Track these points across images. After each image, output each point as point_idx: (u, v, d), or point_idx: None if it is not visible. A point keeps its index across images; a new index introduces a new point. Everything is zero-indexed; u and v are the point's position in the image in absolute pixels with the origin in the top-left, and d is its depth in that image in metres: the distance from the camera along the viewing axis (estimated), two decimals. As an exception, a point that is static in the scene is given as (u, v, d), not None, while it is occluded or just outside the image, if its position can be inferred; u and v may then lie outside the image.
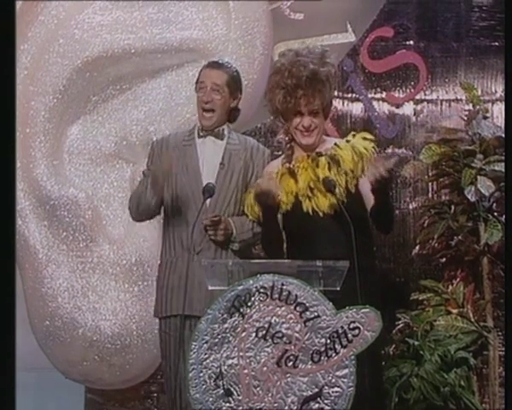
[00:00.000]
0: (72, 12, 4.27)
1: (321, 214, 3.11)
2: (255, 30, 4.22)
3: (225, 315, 2.76)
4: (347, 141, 3.23)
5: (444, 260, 4.37)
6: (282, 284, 2.75)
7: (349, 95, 4.63)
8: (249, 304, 2.76)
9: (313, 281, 2.80)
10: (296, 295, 2.76)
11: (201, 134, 3.34)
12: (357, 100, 4.61)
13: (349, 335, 2.74)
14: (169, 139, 3.43)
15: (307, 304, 2.75)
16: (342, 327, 2.75)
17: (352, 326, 2.74)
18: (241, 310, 2.77)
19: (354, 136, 3.23)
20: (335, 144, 3.22)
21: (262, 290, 2.75)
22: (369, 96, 4.61)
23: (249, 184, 3.32)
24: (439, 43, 4.60)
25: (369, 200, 3.11)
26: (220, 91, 3.25)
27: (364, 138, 3.21)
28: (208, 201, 3.23)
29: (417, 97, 4.61)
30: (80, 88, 4.20)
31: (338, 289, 2.83)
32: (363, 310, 2.76)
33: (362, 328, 2.73)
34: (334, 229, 3.08)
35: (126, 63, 4.19)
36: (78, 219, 4.13)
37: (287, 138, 3.24)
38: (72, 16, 4.26)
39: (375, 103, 4.64)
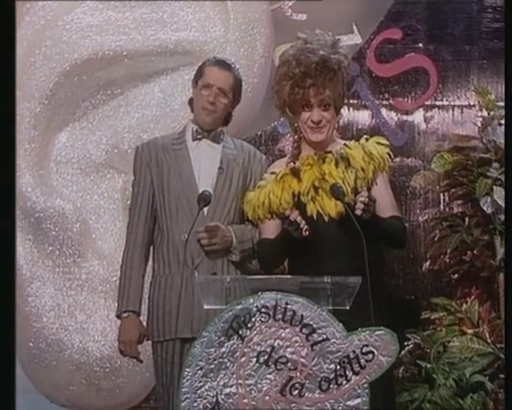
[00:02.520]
0: (60, 12, 4.19)
1: (326, 219, 2.90)
2: (255, 31, 4.17)
3: (222, 338, 2.57)
4: (358, 142, 3.05)
5: (457, 276, 4.24)
6: (287, 303, 2.57)
7: (355, 101, 4.52)
8: (249, 325, 2.58)
9: (320, 299, 2.60)
10: (302, 316, 2.57)
11: (197, 136, 3.17)
12: (364, 106, 4.52)
13: (362, 360, 2.54)
14: (156, 142, 3.24)
15: (314, 325, 2.56)
16: (354, 352, 2.55)
17: (365, 350, 2.53)
18: (240, 332, 2.58)
19: (367, 139, 3.05)
20: (345, 144, 3.04)
21: (264, 310, 2.57)
22: (377, 102, 4.53)
23: (248, 190, 3.15)
24: (450, 45, 4.52)
25: (384, 209, 2.92)
26: (227, 95, 3.13)
27: (378, 143, 3.02)
28: (206, 209, 3.07)
29: (427, 103, 4.54)
30: (68, 93, 4.14)
31: (347, 308, 2.63)
32: (377, 332, 2.55)
33: (376, 352, 2.53)
34: (341, 238, 2.89)
35: (118, 66, 4.14)
36: (65, 233, 4.07)
37: (295, 136, 3.04)
38: (59, 17, 4.19)
39: (382, 110, 4.56)
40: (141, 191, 3.17)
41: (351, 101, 4.47)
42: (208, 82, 3.13)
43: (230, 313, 2.59)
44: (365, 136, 3.08)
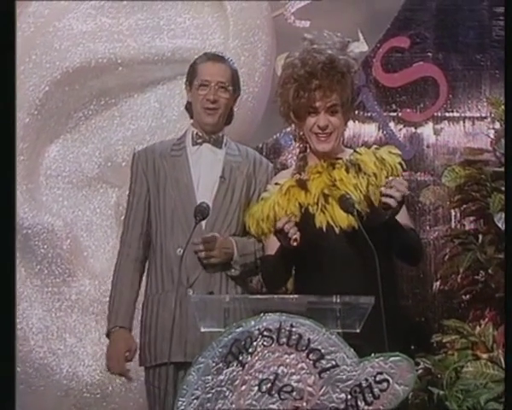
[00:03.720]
0: (52, 18, 4.17)
1: (337, 231, 2.74)
2: (256, 38, 4.11)
3: (221, 364, 2.40)
4: (369, 149, 2.92)
5: (469, 297, 4.10)
6: (292, 326, 2.40)
7: (361, 112, 4.42)
8: (250, 350, 2.41)
9: (329, 321, 2.43)
10: (309, 340, 2.39)
11: (197, 141, 3.04)
12: (370, 118, 4.44)
13: (375, 389, 2.35)
14: (154, 148, 3.11)
15: (323, 350, 2.38)
16: (367, 380, 2.36)
17: (378, 379, 2.35)
18: (241, 358, 2.41)
19: (378, 148, 2.90)
20: (355, 151, 2.90)
21: (266, 333, 2.41)
22: (384, 113, 4.45)
23: (251, 201, 3.02)
24: (460, 54, 4.43)
25: (399, 220, 2.74)
26: (227, 89, 3.02)
27: (390, 152, 2.88)
28: (204, 222, 2.92)
29: (437, 115, 4.45)
30: (59, 103, 4.11)
31: (358, 331, 2.46)
32: (392, 358, 2.36)
33: (391, 381, 2.35)
34: (354, 253, 2.74)
35: (112, 75, 4.11)
36: (54, 251, 3.99)
37: (301, 146, 2.91)
38: (50, 23, 4.17)
39: (389, 122, 4.46)
40: (136, 201, 3.05)
41: (356, 112, 4.37)
42: (205, 79, 3.02)
43: (229, 337, 2.43)
44: (375, 146, 2.94)
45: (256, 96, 4.03)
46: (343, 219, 2.74)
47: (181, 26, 4.11)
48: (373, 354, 2.40)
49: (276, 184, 2.89)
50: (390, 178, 2.72)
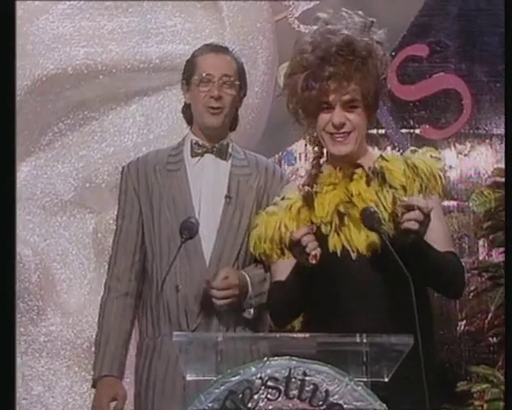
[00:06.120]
0: (24, 20, 3.89)
1: (353, 256, 2.38)
2: (255, 43, 3.90)
3: None
4: (400, 154, 2.59)
5: (499, 339, 3.89)
6: (305, 374, 2.00)
7: (374, 129, 4.08)
8: (250, 406, 2.02)
9: (351, 367, 2.05)
10: (327, 392, 2.00)
11: (198, 151, 2.71)
12: (385, 135, 4.27)
13: None
14: (147, 160, 2.79)
15: (345, 406, 1.99)
16: None
17: None
18: None
19: (414, 151, 2.53)
20: (381, 156, 2.50)
21: (271, 384, 2.02)
22: (400, 130, 4.30)
23: None
24: (485, 64, 4.28)
25: (435, 242, 2.36)
26: (233, 84, 2.71)
27: (428, 157, 2.52)
28: (209, 252, 2.63)
29: (460, 132, 4.31)
30: (31, 115, 3.85)
31: (386, 380, 2.09)
32: None
33: None
34: (374, 281, 2.37)
35: (91, 85, 3.87)
36: (21, 284, 3.73)
37: (315, 149, 2.52)
38: (23, 24, 3.87)
39: (406, 139, 4.31)
40: (126, 225, 2.73)
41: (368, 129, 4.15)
42: (208, 72, 2.71)
43: (222, 388, 2.04)
44: (412, 148, 2.56)
45: (256, 108, 3.81)
46: (361, 242, 2.38)
47: (171, 30, 3.89)
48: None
49: (283, 198, 2.50)
50: (406, 197, 2.35)
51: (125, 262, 2.71)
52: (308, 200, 2.42)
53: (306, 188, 2.45)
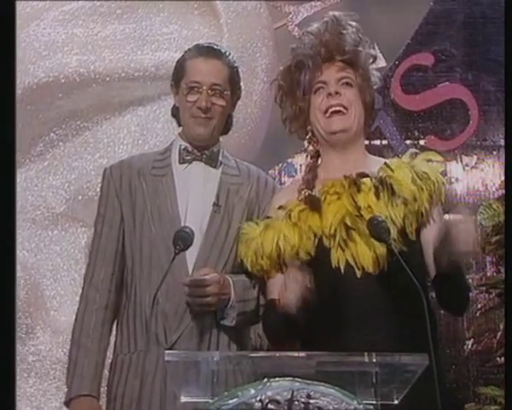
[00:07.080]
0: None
1: (358, 274, 2.27)
2: (255, 51, 3.91)
3: None
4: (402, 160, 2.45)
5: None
6: (309, 396, 1.90)
7: (377, 141, 4.15)
8: None
9: (358, 389, 1.93)
10: None
11: (186, 158, 2.60)
12: (388, 147, 4.16)
13: None
14: (131, 164, 2.66)
15: None
16: None
17: None
18: None
19: (416, 154, 2.45)
20: (385, 164, 2.40)
21: (272, 407, 1.92)
22: (404, 141, 4.19)
23: None
24: (492, 73, 4.19)
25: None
26: (223, 94, 2.60)
27: (428, 160, 2.43)
28: (192, 262, 2.49)
29: (467, 143, 4.21)
30: (20, 125, 3.78)
31: (396, 402, 1.96)
32: None
33: None
34: (382, 301, 2.27)
35: (84, 94, 3.88)
36: None
37: (310, 149, 2.45)
38: None
39: (411, 151, 4.09)
40: (106, 231, 2.59)
41: (372, 138, 4.11)
42: (195, 80, 2.59)
43: None
44: (412, 150, 2.49)
45: (255, 118, 3.81)
46: (367, 258, 2.27)
47: (167, 38, 3.89)
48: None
49: (280, 208, 2.38)
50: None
51: (105, 271, 2.58)
52: (314, 203, 2.31)
53: (307, 192, 2.35)
